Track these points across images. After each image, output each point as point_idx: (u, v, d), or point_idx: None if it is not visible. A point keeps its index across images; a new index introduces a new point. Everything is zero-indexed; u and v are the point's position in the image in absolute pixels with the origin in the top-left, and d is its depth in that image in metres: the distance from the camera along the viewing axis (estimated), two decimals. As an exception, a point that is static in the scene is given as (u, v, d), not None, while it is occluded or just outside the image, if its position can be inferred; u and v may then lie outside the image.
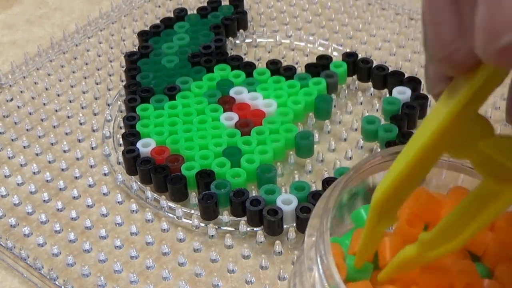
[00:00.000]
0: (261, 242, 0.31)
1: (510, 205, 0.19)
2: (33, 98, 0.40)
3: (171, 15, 0.44)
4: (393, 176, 0.20)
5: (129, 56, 0.40)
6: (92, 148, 0.36)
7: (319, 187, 0.32)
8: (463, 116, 0.18)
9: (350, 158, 0.35)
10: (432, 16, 0.17)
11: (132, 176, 0.34)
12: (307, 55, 0.42)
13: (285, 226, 0.31)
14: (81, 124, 0.38)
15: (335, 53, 0.41)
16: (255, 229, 0.31)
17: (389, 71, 0.38)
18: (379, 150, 0.34)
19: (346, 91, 0.38)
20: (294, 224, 0.31)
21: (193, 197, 0.33)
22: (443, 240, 0.20)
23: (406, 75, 0.37)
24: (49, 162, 0.36)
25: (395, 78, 0.37)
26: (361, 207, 0.25)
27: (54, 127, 0.38)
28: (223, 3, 0.45)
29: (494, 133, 0.18)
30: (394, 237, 0.23)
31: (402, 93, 0.36)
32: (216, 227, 0.31)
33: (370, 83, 0.38)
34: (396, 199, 0.20)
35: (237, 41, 0.43)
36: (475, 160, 0.19)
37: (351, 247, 0.24)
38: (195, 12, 0.44)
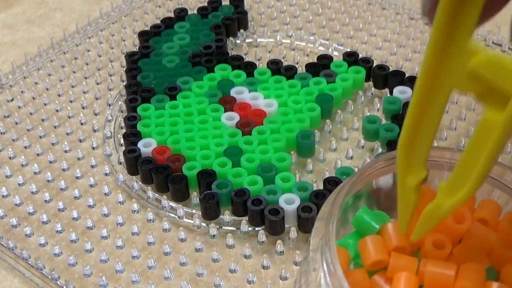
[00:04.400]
0: (262, 241, 0.31)
1: (507, 129, 0.19)
2: (33, 98, 0.40)
3: (172, 15, 0.44)
4: (408, 116, 0.20)
5: (129, 56, 0.40)
6: (93, 148, 0.36)
7: (321, 187, 0.32)
8: (451, 43, 0.18)
9: (351, 157, 0.35)
10: None
11: (133, 176, 0.34)
12: (307, 55, 0.42)
13: (286, 226, 0.31)
14: (82, 124, 0.38)
15: (335, 53, 0.41)
16: (256, 228, 0.31)
17: (390, 70, 0.38)
18: (380, 149, 0.34)
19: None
20: (296, 224, 0.31)
21: (195, 197, 0.33)
22: (460, 184, 0.20)
23: (407, 75, 0.37)
24: (50, 162, 0.36)
25: (396, 77, 0.37)
26: (360, 210, 0.25)
27: (55, 127, 0.38)
28: (223, 3, 0.45)
29: (487, 54, 0.18)
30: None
31: (403, 93, 0.36)
32: (218, 226, 0.31)
33: (370, 83, 0.38)
34: (418, 142, 0.20)
35: (238, 41, 0.43)
36: (476, 90, 0.19)
37: (366, 258, 0.23)
38: (195, 12, 0.44)
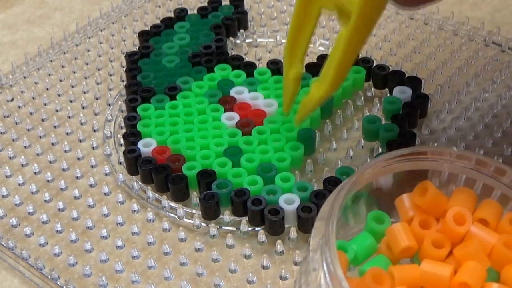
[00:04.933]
0: (262, 241, 0.31)
1: (349, 41, 0.26)
2: (33, 98, 0.40)
3: (172, 15, 0.44)
4: (291, 25, 0.29)
5: (129, 56, 0.40)
6: (93, 148, 0.36)
7: (321, 187, 0.32)
8: None
9: (351, 157, 0.35)
10: None
11: (133, 176, 0.34)
12: (307, 55, 0.42)
13: (286, 226, 0.31)
14: (81, 124, 0.38)
15: (335, 53, 0.41)
16: (256, 228, 0.31)
17: (390, 70, 0.38)
18: (380, 149, 0.34)
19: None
20: (296, 224, 0.31)
21: (194, 197, 0.33)
22: (324, 81, 0.28)
23: (407, 75, 0.37)
24: (50, 162, 0.36)
25: (396, 77, 0.37)
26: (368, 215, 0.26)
27: (54, 127, 0.38)
28: (223, 3, 0.45)
29: None
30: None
31: (403, 93, 0.36)
32: (218, 226, 0.31)
33: (370, 83, 0.38)
34: (298, 44, 0.30)
35: (238, 41, 0.43)
36: (336, 11, 0.27)
37: (395, 245, 0.25)
38: (195, 12, 0.44)
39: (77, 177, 0.35)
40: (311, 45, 0.43)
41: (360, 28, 0.26)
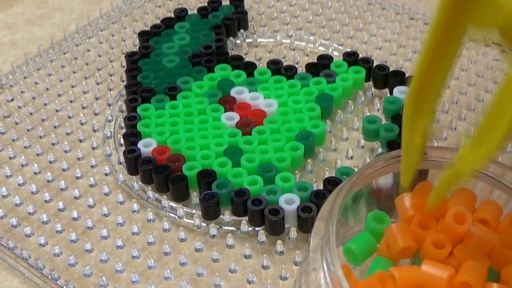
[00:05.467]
0: (262, 241, 0.31)
1: None
2: (33, 98, 0.40)
3: (172, 15, 0.44)
4: (420, 58, 0.18)
5: (129, 56, 0.40)
6: (93, 148, 0.36)
7: (321, 187, 0.32)
8: None
9: (351, 157, 0.35)
10: None
11: (133, 176, 0.34)
12: (307, 55, 0.42)
13: (286, 226, 0.31)
14: (82, 124, 0.38)
15: (335, 53, 0.41)
16: (256, 228, 0.31)
17: (390, 70, 0.38)
18: (380, 149, 0.34)
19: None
20: (296, 224, 0.31)
21: (195, 197, 0.33)
22: (477, 147, 0.19)
23: (407, 75, 0.37)
24: (50, 162, 0.36)
25: (396, 77, 0.37)
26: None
27: (55, 127, 0.38)
28: (223, 3, 0.45)
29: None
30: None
31: (403, 93, 0.36)
32: (218, 226, 0.31)
33: (371, 83, 0.38)
34: (429, 88, 0.19)
35: (238, 41, 0.43)
36: (500, 26, 0.17)
37: (394, 245, 0.23)
38: (195, 12, 0.44)
39: (77, 177, 0.35)
40: (311, 45, 0.43)
41: None
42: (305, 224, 0.30)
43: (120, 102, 0.39)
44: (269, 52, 0.42)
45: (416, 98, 0.19)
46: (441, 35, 0.18)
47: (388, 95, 0.38)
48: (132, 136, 0.35)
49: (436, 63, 0.18)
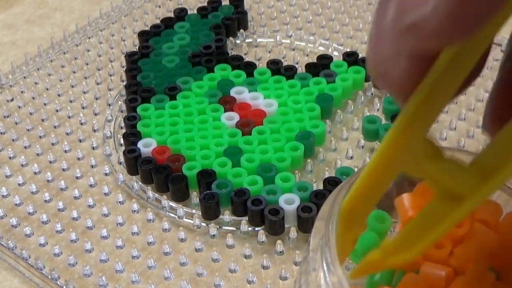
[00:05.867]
0: (262, 241, 0.31)
1: (458, 221, 0.19)
2: (33, 98, 0.40)
3: (172, 15, 0.44)
4: (355, 190, 0.20)
5: (129, 56, 0.40)
6: (93, 148, 0.36)
7: (321, 187, 0.32)
8: (407, 139, 0.18)
9: (351, 157, 0.35)
10: (374, 31, 0.17)
11: (133, 176, 0.34)
12: (307, 55, 0.42)
13: (286, 226, 0.31)
14: (81, 124, 0.38)
15: (335, 53, 0.41)
16: (256, 228, 0.31)
17: (390, 70, 0.38)
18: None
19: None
20: (296, 224, 0.31)
21: (194, 197, 0.33)
22: (402, 248, 0.20)
23: (407, 75, 0.37)
24: (50, 162, 0.36)
25: (396, 77, 0.37)
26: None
27: (54, 127, 0.38)
28: (223, 3, 0.45)
29: (443, 156, 0.18)
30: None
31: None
32: (218, 226, 0.31)
33: (370, 83, 0.38)
34: (360, 210, 0.21)
35: (238, 41, 0.43)
36: (427, 180, 0.19)
37: (403, 214, 0.24)
38: (195, 12, 0.44)
39: (77, 177, 0.35)
40: (311, 45, 0.43)
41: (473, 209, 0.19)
42: (305, 224, 0.30)
43: (120, 102, 0.39)
44: (269, 52, 0.42)
45: (351, 211, 0.21)
46: (372, 182, 0.20)
47: (388, 95, 0.38)
48: (132, 136, 0.35)
49: (369, 195, 0.20)
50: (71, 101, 0.40)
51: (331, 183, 0.31)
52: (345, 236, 0.22)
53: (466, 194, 0.18)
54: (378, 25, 0.16)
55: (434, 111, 0.17)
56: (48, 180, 0.35)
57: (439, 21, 0.14)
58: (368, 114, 0.36)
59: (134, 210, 0.33)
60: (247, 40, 0.43)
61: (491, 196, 0.20)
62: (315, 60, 0.39)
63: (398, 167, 0.19)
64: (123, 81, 0.40)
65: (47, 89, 0.41)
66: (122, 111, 0.38)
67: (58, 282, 0.30)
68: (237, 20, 0.43)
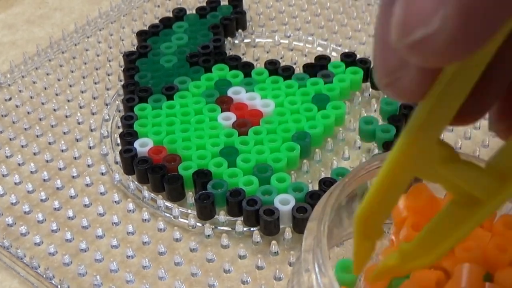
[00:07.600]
0: (257, 242, 0.31)
1: (477, 226, 0.19)
2: (31, 97, 0.40)
3: (170, 15, 0.44)
4: (369, 196, 0.20)
5: (127, 56, 0.40)
6: (90, 148, 0.36)
7: (316, 187, 0.32)
8: (420, 143, 0.18)
9: (348, 158, 0.35)
10: (379, 40, 0.16)
11: (129, 176, 0.34)
12: (305, 55, 0.42)
13: (281, 226, 0.31)
14: (79, 123, 0.38)
15: (334, 54, 0.41)
16: (251, 229, 0.31)
17: (388, 71, 0.38)
18: (377, 150, 0.34)
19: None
20: (291, 225, 0.31)
21: (190, 196, 0.32)
22: (420, 254, 0.20)
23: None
24: (47, 161, 0.36)
25: (393, 78, 0.37)
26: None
27: (52, 126, 0.38)
28: (222, 3, 0.45)
29: (459, 159, 0.18)
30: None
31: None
32: (213, 227, 0.31)
33: (368, 84, 0.38)
34: (376, 216, 0.21)
35: (236, 41, 0.43)
36: (443, 184, 0.19)
37: (396, 215, 0.24)
38: (194, 12, 0.44)
39: (73, 177, 0.35)
40: (309, 46, 0.42)
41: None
42: (300, 224, 0.30)
43: (117, 102, 0.39)
44: (267, 52, 0.42)
45: (367, 219, 0.21)
46: (386, 187, 0.19)
47: (385, 96, 0.37)
48: (128, 135, 0.35)
49: (384, 201, 0.20)
50: (68, 101, 0.40)
51: (327, 184, 0.31)
52: (363, 244, 0.22)
53: (485, 197, 0.18)
54: (382, 33, 0.16)
55: (446, 113, 0.17)
56: (44, 179, 0.35)
57: (448, 38, 0.13)
58: (365, 115, 0.36)
59: (130, 210, 0.33)
60: (245, 40, 0.43)
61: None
62: (313, 61, 0.39)
63: (413, 172, 0.19)
64: (121, 80, 0.40)
65: (45, 88, 0.41)
66: (119, 111, 0.38)
67: (53, 281, 0.30)
68: (236, 20, 0.43)
